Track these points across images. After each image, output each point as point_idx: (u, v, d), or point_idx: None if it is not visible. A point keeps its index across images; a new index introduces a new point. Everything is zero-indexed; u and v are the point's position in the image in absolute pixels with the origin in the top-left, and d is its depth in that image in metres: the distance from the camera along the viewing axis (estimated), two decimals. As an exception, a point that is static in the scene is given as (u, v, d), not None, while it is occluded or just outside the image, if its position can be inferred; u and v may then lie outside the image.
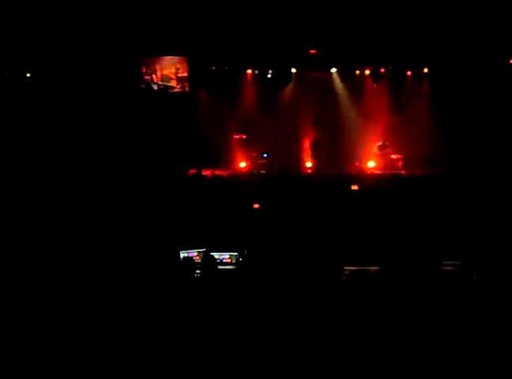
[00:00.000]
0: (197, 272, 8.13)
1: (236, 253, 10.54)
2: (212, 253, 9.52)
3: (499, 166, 19.80)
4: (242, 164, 25.84)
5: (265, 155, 26.12)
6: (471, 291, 5.63)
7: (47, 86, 22.36)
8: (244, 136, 26.54)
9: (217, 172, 22.45)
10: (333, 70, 24.89)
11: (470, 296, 5.61)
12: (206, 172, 22.52)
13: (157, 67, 23.99)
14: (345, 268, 8.66)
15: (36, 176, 18.38)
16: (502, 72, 21.83)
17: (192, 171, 22.90)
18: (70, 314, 6.11)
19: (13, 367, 5.26)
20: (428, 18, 18.87)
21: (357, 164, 25.86)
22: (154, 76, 24.09)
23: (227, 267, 10.19)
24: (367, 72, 23.68)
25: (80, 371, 5.41)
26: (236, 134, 26.45)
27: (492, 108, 22.09)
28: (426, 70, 23.59)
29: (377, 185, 19.06)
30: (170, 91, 24.54)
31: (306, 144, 26.55)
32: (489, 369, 4.78)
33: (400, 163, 24.96)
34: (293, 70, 23.78)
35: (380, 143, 25.21)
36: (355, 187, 17.95)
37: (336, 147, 26.10)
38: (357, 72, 24.18)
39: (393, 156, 25.33)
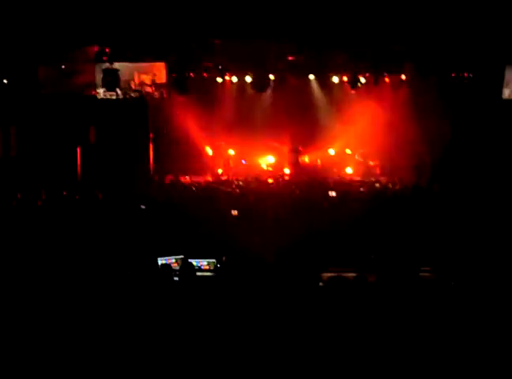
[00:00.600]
0: (175, 278, 8.10)
1: (214, 260, 10.51)
2: (190, 260, 9.48)
3: (479, 172, 19.88)
4: (220, 171, 25.84)
5: (244, 162, 26.15)
6: (448, 297, 5.64)
7: (23, 91, 22.21)
8: (222, 143, 26.55)
9: (195, 179, 22.44)
10: (311, 77, 24.92)
11: (448, 302, 5.63)
12: (183, 179, 22.49)
13: (135, 73, 23.91)
14: (323, 274, 8.68)
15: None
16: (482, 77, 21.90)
17: (169, 178, 22.85)
18: (53, 318, 6.08)
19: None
20: (408, 23, 18.92)
21: (335, 170, 25.95)
22: (131, 82, 24.01)
23: (205, 274, 10.14)
24: (345, 78, 23.73)
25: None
26: (214, 140, 26.45)
27: (476, 115, 22.15)
28: (403, 77, 23.65)
29: (355, 192, 19.12)
30: (147, 97, 24.47)
31: (284, 150, 26.60)
32: (466, 374, 4.79)
33: (377, 170, 25.05)
34: (271, 77, 23.80)
35: (362, 150, 25.32)
36: (332, 193, 18.00)
37: (314, 153, 26.18)
38: (335, 78, 24.19)
39: (371, 163, 25.43)
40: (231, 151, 26.57)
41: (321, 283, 8.19)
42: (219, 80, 24.65)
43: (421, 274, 8.44)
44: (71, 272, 8.14)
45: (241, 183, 22.42)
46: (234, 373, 5.66)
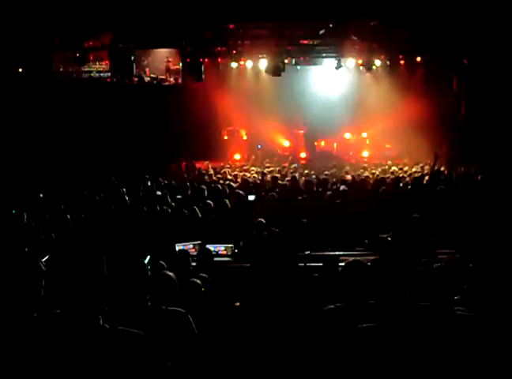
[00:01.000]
0: (193, 264, 8.12)
1: (232, 245, 10.53)
2: (207, 246, 9.49)
3: (496, 154, 19.74)
4: (237, 156, 25.86)
5: (259, 147, 26.16)
6: (467, 279, 5.61)
7: (37, 79, 22.25)
8: (237, 128, 26.58)
9: (211, 164, 22.45)
10: (326, 60, 24.81)
11: (466, 284, 5.60)
12: (200, 164, 22.50)
13: (149, 60, 23.94)
14: (340, 256, 8.68)
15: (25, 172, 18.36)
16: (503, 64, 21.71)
17: (185, 163, 22.87)
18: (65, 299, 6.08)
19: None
20: (421, 6, 18.77)
21: (351, 154, 25.93)
22: (147, 68, 24.04)
23: (223, 259, 10.16)
24: (360, 61, 23.65)
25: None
26: (229, 126, 26.48)
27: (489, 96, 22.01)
28: (419, 59, 23.49)
29: (371, 175, 19.04)
30: (162, 83, 24.50)
31: (300, 134, 26.60)
32: (488, 363, 4.76)
33: (394, 153, 25.00)
34: (285, 61, 23.75)
35: (379, 133, 25.29)
36: (348, 177, 17.96)
37: (329, 137, 26.18)
38: (350, 61, 24.07)
39: (387, 146, 25.39)
40: (246, 137, 26.61)
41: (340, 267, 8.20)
42: (233, 65, 24.60)
43: (440, 256, 8.44)
44: (84, 259, 8.15)
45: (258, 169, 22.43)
46: (255, 359, 5.67)
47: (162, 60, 24.10)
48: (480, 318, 5.00)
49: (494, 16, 18.04)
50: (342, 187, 14.49)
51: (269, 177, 18.00)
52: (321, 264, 8.10)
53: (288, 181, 16.23)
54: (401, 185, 15.69)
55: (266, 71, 22.22)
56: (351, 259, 5.86)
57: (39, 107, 21.84)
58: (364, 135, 26.73)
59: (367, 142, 26.87)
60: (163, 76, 24.28)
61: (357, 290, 5.44)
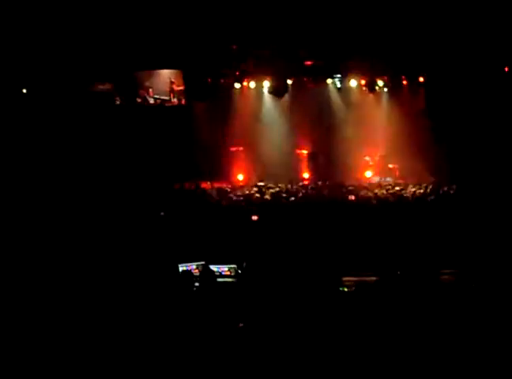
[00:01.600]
0: (196, 284, 8.12)
1: (235, 266, 10.53)
2: (211, 266, 9.50)
3: (498, 173, 19.74)
4: (240, 177, 25.84)
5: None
6: (469, 299, 5.63)
7: (43, 99, 22.32)
8: (241, 149, 26.56)
9: (215, 185, 22.44)
10: (329, 81, 24.83)
11: (469, 304, 5.61)
12: (203, 185, 22.50)
13: (152, 81, 24.00)
14: (344, 278, 8.69)
15: (35, 191, 18.41)
16: (498, 79, 21.79)
17: (189, 184, 22.86)
18: (70, 326, 6.11)
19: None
20: (423, 27, 18.87)
21: (354, 175, 25.88)
22: (150, 90, 24.10)
23: (226, 279, 10.16)
24: (363, 82, 23.63)
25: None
26: (233, 146, 26.47)
27: (489, 115, 22.04)
28: (421, 79, 23.54)
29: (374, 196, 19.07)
30: (166, 104, 24.56)
31: (303, 155, 26.57)
32: (489, 377, 4.78)
33: (396, 173, 24.95)
34: (289, 81, 23.77)
35: (381, 153, 25.23)
36: (351, 197, 17.96)
37: (333, 157, 26.13)
38: (352, 82, 24.09)
39: (390, 166, 25.33)
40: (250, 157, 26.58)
41: (342, 288, 8.20)
42: (237, 85, 24.64)
43: (442, 277, 8.43)
44: (91, 278, 8.18)
45: (261, 189, 22.42)
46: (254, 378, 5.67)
47: (165, 81, 24.15)
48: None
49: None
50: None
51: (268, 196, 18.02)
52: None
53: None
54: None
55: (269, 92, 22.28)
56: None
57: (44, 129, 21.91)
58: (367, 158, 26.67)
59: (370, 163, 26.83)
60: (167, 98, 24.32)
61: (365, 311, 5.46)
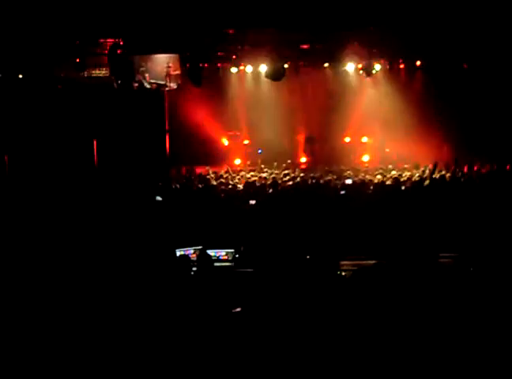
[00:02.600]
0: (194, 269, 8.11)
1: (233, 250, 10.52)
2: (208, 251, 9.49)
3: (498, 156, 19.76)
4: (237, 161, 25.86)
5: (260, 152, 26.13)
6: (468, 283, 5.61)
7: (39, 85, 22.27)
8: (238, 133, 26.56)
9: (212, 169, 22.44)
10: (326, 65, 24.77)
11: (467, 288, 5.60)
12: (202, 169, 22.50)
13: (149, 65, 23.92)
14: (342, 262, 8.67)
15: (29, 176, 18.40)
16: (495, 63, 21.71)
17: (185, 169, 22.87)
18: (68, 312, 6.09)
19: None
20: (421, 10, 18.77)
21: (351, 158, 25.89)
22: (146, 74, 24.02)
23: (223, 264, 10.16)
24: (360, 65, 23.59)
25: (77, 367, 5.40)
26: (230, 131, 26.46)
27: (488, 98, 22.03)
28: (418, 63, 23.50)
29: (371, 180, 19.07)
30: (162, 89, 24.51)
31: (300, 139, 26.58)
32: (487, 364, 4.77)
33: (394, 157, 24.94)
34: (286, 66, 23.70)
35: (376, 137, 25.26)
36: (348, 182, 17.96)
37: (330, 142, 26.13)
38: (349, 66, 24.02)
39: (387, 150, 25.34)
40: (247, 141, 26.59)
41: (340, 272, 8.18)
42: (233, 70, 24.58)
43: (441, 260, 8.42)
44: (87, 264, 8.17)
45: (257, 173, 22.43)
46: (257, 363, 5.66)
47: (162, 65, 24.06)
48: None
49: (492, 21, 18.05)
50: (342, 192, 14.49)
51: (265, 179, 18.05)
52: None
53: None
54: (402, 188, 15.69)
55: (266, 76, 22.19)
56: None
57: (40, 113, 21.85)
58: (364, 139, 26.66)
59: (367, 146, 26.83)
60: (164, 82, 24.25)
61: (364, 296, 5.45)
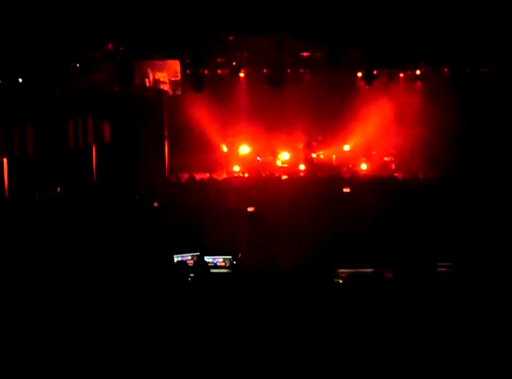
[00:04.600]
0: (191, 275, 8.10)
1: (230, 257, 10.52)
2: (206, 257, 9.49)
3: (496, 165, 19.79)
4: (236, 167, 25.85)
5: (259, 159, 26.14)
6: (466, 292, 5.60)
7: (37, 89, 22.27)
8: (237, 139, 26.59)
9: (212, 175, 22.46)
10: (326, 72, 24.81)
11: (466, 297, 5.59)
12: (201, 176, 22.53)
13: (149, 71, 23.95)
14: (337, 270, 8.67)
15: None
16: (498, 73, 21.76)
17: (184, 175, 22.88)
18: (64, 317, 6.08)
19: (13, 367, 5.24)
20: (421, 19, 18.85)
21: (350, 166, 25.91)
22: (146, 80, 24.05)
23: (221, 270, 10.15)
24: (359, 74, 23.64)
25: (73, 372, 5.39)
26: (229, 137, 26.48)
27: (489, 108, 22.07)
28: (418, 72, 23.57)
29: (370, 187, 19.07)
30: (162, 95, 24.53)
31: (299, 146, 26.59)
32: (486, 371, 4.76)
33: (392, 166, 24.98)
34: (286, 72, 23.74)
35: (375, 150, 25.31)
36: (347, 190, 17.95)
37: (328, 149, 26.16)
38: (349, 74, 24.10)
39: (386, 158, 25.36)
40: (246, 148, 26.59)
41: (336, 279, 8.18)
42: (233, 76, 24.62)
43: (439, 269, 8.41)
44: (84, 270, 8.16)
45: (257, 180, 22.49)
46: (248, 370, 5.65)
47: (162, 71, 24.09)
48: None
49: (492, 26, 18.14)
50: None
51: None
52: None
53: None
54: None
55: (267, 82, 22.24)
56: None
57: (39, 116, 21.87)
58: (363, 147, 26.70)
59: (366, 154, 26.86)
60: (163, 87, 24.28)
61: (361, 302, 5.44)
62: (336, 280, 8.49)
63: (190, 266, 8.42)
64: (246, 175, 23.94)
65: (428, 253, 9.78)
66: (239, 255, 10.64)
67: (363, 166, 26.00)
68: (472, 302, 5.39)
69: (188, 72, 22.94)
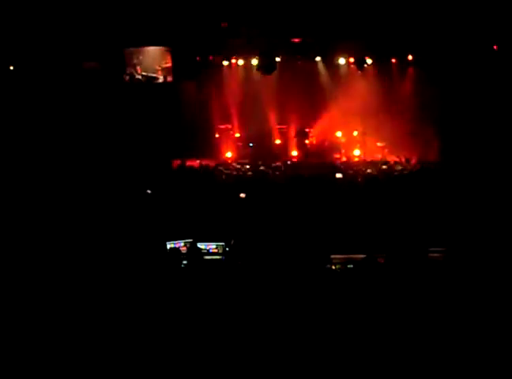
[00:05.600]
0: (184, 262, 8.12)
1: (223, 243, 10.52)
2: (198, 244, 9.50)
3: (488, 149, 19.81)
4: (228, 154, 25.82)
5: (251, 145, 26.09)
6: (457, 277, 5.63)
7: (31, 78, 22.20)
8: (229, 126, 26.52)
9: (203, 162, 22.43)
10: (318, 59, 24.79)
11: (457, 282, 5.61)
12: (193, 162, 22.48)
13: (141, 58, 23.86)
14: (332, 256, 8.69)
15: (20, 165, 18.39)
16: (487, 57, 21.75)
17: (177, 162, 22.84)
18: (57, 304, 6.09)
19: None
20: (412, 5, 18.82)
21: (343, 152, 25.89)
22: (138, 67, 23.97)
23: (214, 257, 10.16)
24: (351, 59, 23.58)
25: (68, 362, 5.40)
26: (221, 124, 26.42)
27: (479, 94, 22.05)
28: (410, 57, 23.55)
29: (362, 174, 19.11)
30: (154, 82, 24.44)
31: (292, 133, 26.56)
32: (479, 356, 4.78)
33: (385, 151, 24.97)
34: (277, 59, 23.66)
35: (364, 130, 25.25)
36: (339, 175, 17.98)
37: (321, 135, 26.14)
38: (341, 60, 24.05)
39: (379, 144, 25.34)
40: (238, 135, 26.54)
41: (330, 266, 8.20)
42: (225, 63, 24.58)
43: (430, 255, 8.44)
44: (77, 258, 8.15)
45: (248, 166, 22.48)
46: (244, 360, 5.67)
47: (153, 58, 24.01)
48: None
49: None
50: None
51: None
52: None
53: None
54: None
55: (258, 69, 22.17)
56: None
57: (33, 105, 21.81)
58: (355, 133, 26.67)
59: (359, 140, 26.86)
60: (155, 75, 24.21)
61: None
62: (329, 266, 8.51)
63: (183, 253, 8.43)
64: (239, 162, 23.90)
65: (420, 238, 9.82)
66: (232, 242, 10.65)
67: (356, 152, 25.98)
68: (463, 286, 5.42)
69: (180, 59, 22.83)
